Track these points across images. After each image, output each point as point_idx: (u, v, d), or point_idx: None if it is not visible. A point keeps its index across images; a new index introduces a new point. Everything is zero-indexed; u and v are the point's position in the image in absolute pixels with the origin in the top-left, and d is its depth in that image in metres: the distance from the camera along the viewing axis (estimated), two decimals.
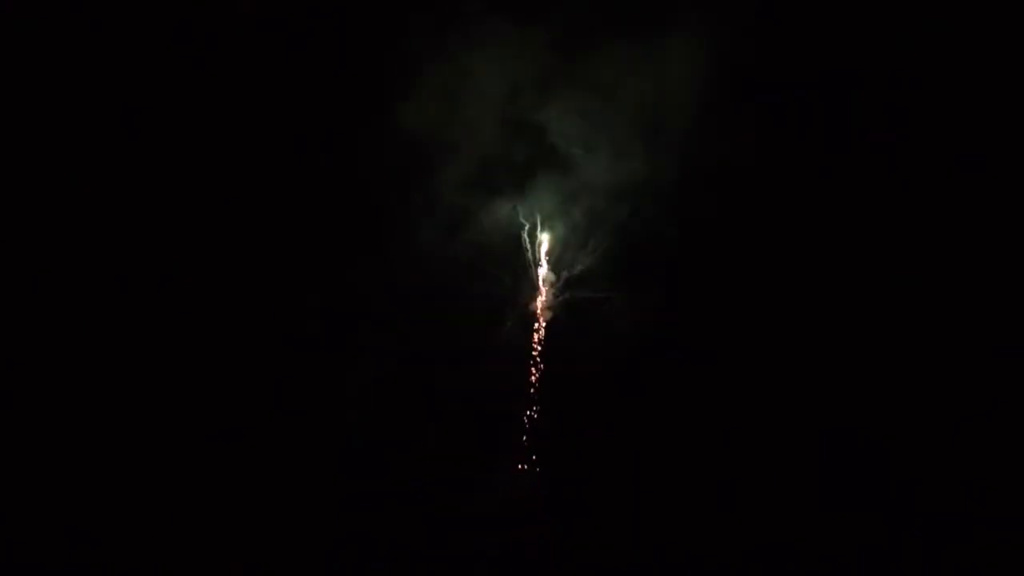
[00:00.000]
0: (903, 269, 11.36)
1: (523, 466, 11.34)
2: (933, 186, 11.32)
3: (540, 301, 11.65)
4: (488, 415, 11.73)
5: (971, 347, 11.06)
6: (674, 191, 11.41)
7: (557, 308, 11.55)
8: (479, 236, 11.65)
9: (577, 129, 11.68)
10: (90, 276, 11.46)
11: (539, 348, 11.59)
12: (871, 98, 11.48)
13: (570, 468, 11.58)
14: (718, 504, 11.18)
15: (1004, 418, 10.78)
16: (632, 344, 11.27)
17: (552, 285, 11.60)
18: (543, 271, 11.67)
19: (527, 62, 11.50)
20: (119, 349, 11.43)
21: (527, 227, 11.75)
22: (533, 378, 11.58)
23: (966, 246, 11.23)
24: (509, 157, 11.90)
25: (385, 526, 11.31)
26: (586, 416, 11.55)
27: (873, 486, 11.00)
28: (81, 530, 10.78)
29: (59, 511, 10.80)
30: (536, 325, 11.59)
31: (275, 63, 11.99)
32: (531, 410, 11.47)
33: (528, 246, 11.79)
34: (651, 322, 11.28)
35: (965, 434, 10.86)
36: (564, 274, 11.60)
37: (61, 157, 11.50)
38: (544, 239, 11.73)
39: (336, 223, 12.11)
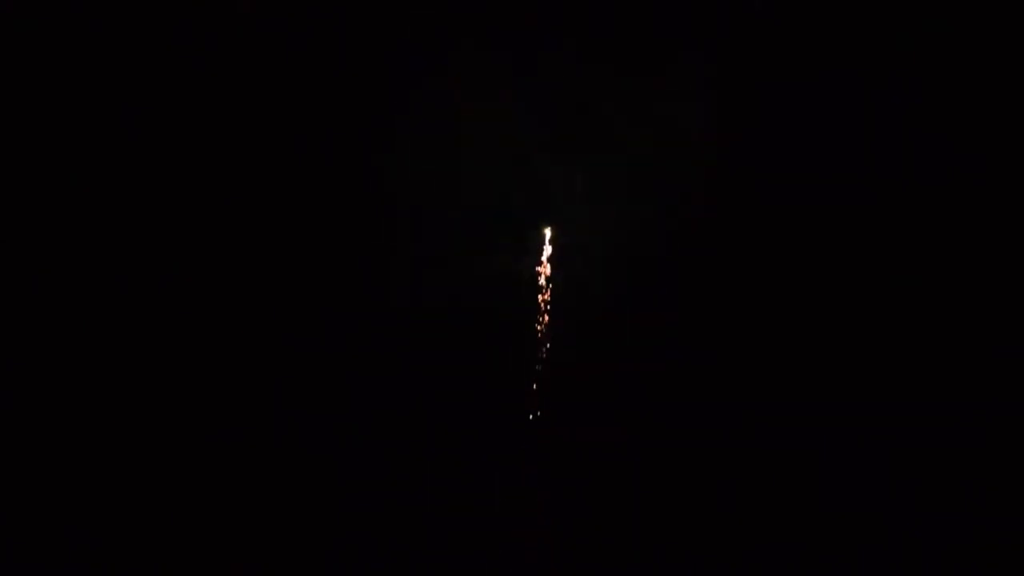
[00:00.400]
0: (904, 272, 11.39)
1: (523, 469, 11.35)
2: (933, 188, 11.34)
3: (544, 350, 11.58)
4: (488, 421, 11.75)
5: (972, 347, 11.09)
6: (682, 231, 11.31)
7: (561, 354, 11.42)
8: (480, 282, 11.50)
9: (580, 171, 11.58)
10: (90, 276, 11.48)
11: (542, 381, 11.51)
12: (873, 103, 11.51)
13: (571, 470, 11.60)
14: (719, 505, 11.20)
15: (1004, 418, 10.82)
16: (636, 368, 11.21)
17: (555, 329, 11.48)
18: (545, 315, 11.58)
19: (528, 108, 11.38)
20: (119, 348, 11.45)
21: (530, 271, 11.63)
22: (533, 394, 11.54)
23: (966, 248, 11.26)
24: (511, 201, 11.77)
25: (385, 526, 11.31)
26: (588, 427, 11.55)
27: (873, 487, 11.02)
28: (81, 530, 10.78)
29: (58, 510, 10.81)
30: (537, 370, 11.50)
31: (275, 63, 12.03)
32: (531, 419, 11.46)
33: (530, 290, 11.67)
34: (657, 356, 11.22)
35: (965, 434, 10.88)
36: (568, 320, 11.43)
37: (60, 157, 11.52)
38: (549, 281, 11.61)
39: (335, 226, 12.12)
